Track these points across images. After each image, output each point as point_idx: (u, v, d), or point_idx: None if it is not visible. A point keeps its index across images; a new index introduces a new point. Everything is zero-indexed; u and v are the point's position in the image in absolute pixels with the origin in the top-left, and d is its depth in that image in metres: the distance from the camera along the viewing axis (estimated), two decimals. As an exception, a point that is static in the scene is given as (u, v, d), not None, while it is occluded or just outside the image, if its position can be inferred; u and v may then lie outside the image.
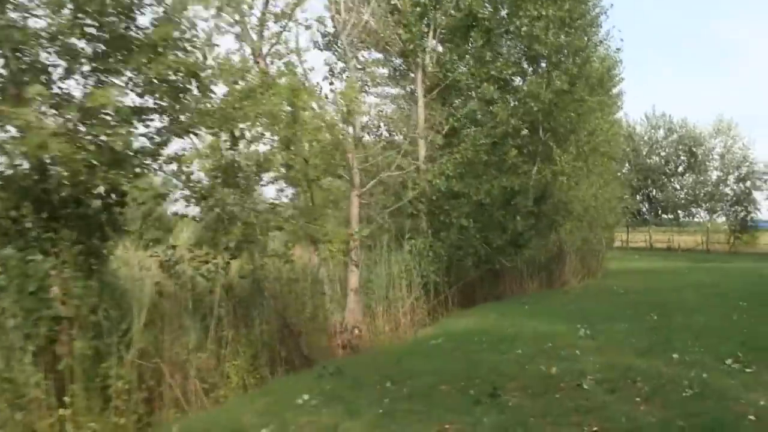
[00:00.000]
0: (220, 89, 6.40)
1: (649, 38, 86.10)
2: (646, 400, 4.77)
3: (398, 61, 14.89)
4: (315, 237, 8.79)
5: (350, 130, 10.15)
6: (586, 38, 16.79)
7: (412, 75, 14.09)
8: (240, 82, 6.60)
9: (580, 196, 18.10)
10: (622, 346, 7.02)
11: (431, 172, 12.82)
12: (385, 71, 15.44)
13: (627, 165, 40.85)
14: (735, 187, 37.43)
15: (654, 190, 39.98)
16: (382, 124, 14.36)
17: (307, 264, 9.66)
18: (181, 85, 5.87)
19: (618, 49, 20.62)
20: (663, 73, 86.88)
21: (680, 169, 39.49)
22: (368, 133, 13.31)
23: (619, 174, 28.86)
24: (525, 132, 15.31)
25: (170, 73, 5.58)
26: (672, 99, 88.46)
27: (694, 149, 37.53)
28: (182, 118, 6.05)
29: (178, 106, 5.97)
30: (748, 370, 5.54)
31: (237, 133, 6.77)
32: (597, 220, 22.80)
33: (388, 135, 14.42)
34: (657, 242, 43.19)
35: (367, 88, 14.56)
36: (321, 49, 14.02)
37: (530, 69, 16.10)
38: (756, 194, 36.79)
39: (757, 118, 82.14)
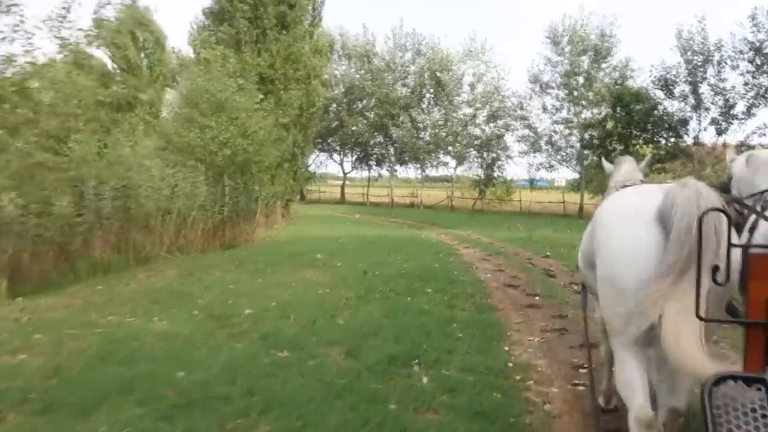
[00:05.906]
0: None
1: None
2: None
3: None
4: None
5: None
6: None
7: None
8: None
9: None
10: None
11: None
12: None
13: (372, 99, 30.91)
14: (485, 128, 29.55)
15: (395, 130, 30.52)
16: None
17: None
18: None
19: None
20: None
21: (425, 103, 30.51)
22: None
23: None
24: None
25: None
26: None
27: (439, 74, 28.45)
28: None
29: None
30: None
31: None
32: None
33: None
34: (401, 197, 34.54)
35: None
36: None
37: None
38: (507, 137, 29.27)
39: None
